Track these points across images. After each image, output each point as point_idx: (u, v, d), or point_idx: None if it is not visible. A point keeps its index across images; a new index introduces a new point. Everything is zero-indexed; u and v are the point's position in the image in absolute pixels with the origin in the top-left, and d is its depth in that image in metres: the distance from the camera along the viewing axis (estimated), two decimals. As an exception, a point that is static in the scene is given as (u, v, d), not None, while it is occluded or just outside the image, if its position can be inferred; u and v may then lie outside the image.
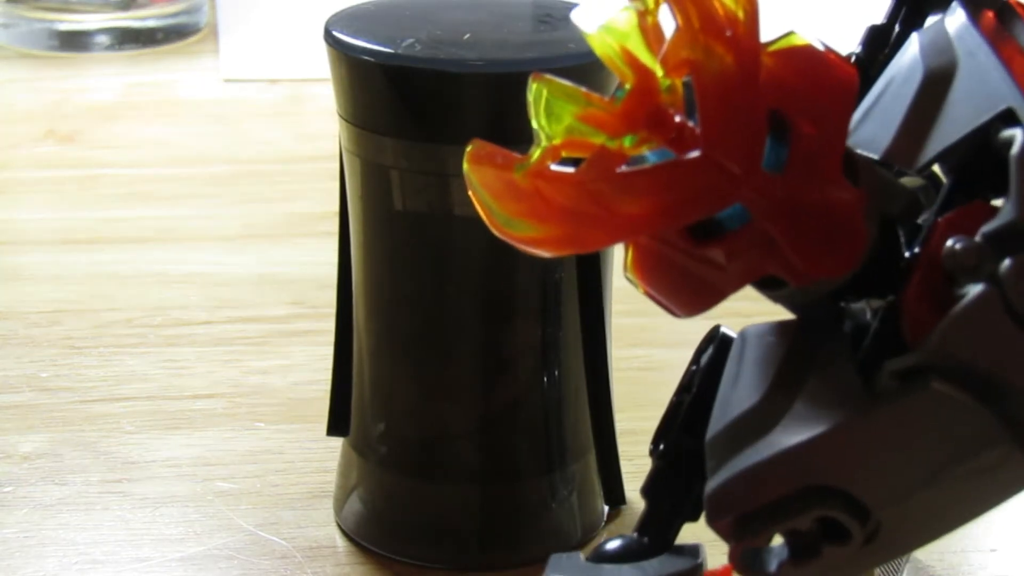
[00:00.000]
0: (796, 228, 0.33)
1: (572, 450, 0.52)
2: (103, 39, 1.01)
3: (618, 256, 0.51)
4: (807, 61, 0.33)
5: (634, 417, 0.54)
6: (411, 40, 0.47)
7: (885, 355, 0.33)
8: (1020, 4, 0.36)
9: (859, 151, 0.35)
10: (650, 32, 0.32)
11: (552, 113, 0.32)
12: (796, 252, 0.33)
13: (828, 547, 0.33)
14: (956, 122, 0.35)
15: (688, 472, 0.37)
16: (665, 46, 0.32)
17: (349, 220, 0.51)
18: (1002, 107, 0.34)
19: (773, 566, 0.34)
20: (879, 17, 0.40)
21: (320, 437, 0.53)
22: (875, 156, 0.35)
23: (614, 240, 0.33)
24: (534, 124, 0.32)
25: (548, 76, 0.32)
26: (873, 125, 0.36)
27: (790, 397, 0.34)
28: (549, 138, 0.32)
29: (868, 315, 0.34)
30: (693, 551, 0.37)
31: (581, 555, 0.37)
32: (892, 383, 0.32)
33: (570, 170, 0.32)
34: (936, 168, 0.36)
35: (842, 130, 0.33)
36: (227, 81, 0.97)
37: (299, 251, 0.74)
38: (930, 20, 0.39)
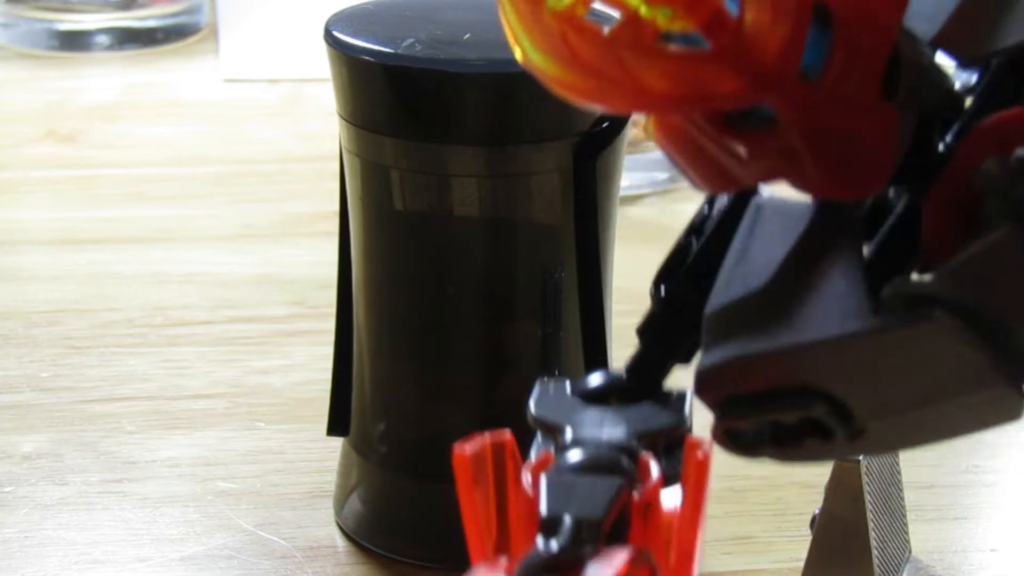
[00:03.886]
0: (821, 147, 0.31)
1: (572, 450, 0.52)
2: (103, 39, 1.01)
3: (619, 254, 0.51)
4: None
5: (634, 417, 0.54)
6: (411, 40, 0.47)
7: (897, 255, 0.32)
8: None
9: (907, 33, 0.32)
10: None
11: None
12: (817, 170, 0.31)
13: (810, 440, 0.32)
14: (1018, 20, 0.33)
15: (687, 319, 0.35)
16: None
17: (349, 220, 0.51)
18: None
19: (753, 446, 0.33)
20: None
21: (320, 437, 0.53)
22: (926, 36, 0.34)
23: (634, 109, 0.32)
24: None
25: None
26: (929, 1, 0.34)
27: (795, 290, 0.32)
28: None
29: (891, 193, 0.33)
30: (679, 402, 0.35)
31: (568, 384, 0.36)
32: (897, 304, 0.31)
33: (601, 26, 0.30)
34: None
35: (891, 29, 0.31)
36: (227, 81, 0.96)
37: (299, 251, 0.74)
38: None
